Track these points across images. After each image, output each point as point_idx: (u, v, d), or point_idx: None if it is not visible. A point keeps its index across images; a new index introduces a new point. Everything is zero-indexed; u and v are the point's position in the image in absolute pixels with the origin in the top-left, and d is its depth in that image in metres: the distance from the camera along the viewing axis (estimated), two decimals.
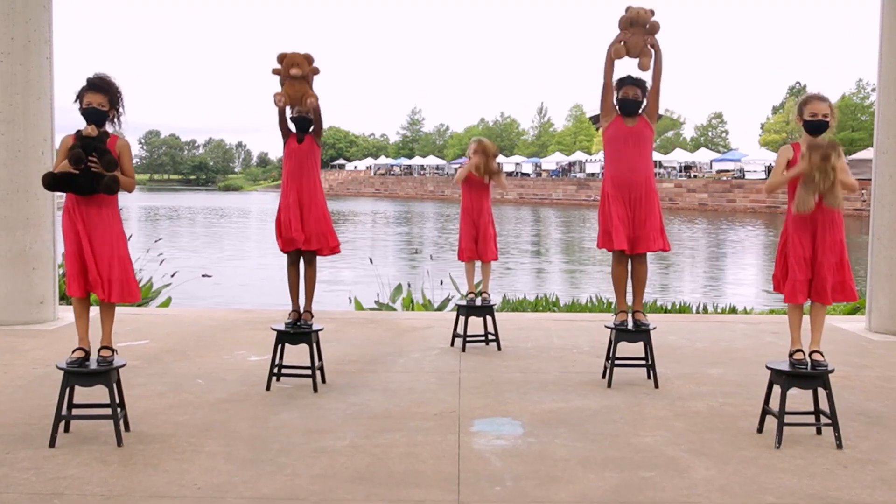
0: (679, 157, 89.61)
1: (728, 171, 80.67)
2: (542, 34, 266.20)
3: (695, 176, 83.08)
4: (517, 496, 5.29)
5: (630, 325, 7.97)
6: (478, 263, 9.90)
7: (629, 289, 8.14)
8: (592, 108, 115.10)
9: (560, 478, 5.60)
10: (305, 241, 7.84)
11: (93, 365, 6.22)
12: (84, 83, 6.23)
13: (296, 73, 7.56)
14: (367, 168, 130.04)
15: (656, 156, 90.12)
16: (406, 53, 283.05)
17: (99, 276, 6.12)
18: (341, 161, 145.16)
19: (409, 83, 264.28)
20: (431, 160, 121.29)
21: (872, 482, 5.51)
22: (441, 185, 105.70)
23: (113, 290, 6.15)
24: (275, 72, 7.70)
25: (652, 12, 7.70)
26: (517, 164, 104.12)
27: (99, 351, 6.26)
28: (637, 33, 7.70)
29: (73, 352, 6.21)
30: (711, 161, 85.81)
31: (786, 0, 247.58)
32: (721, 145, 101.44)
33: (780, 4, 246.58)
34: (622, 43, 7.76)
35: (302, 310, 8.09)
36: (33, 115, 10.78)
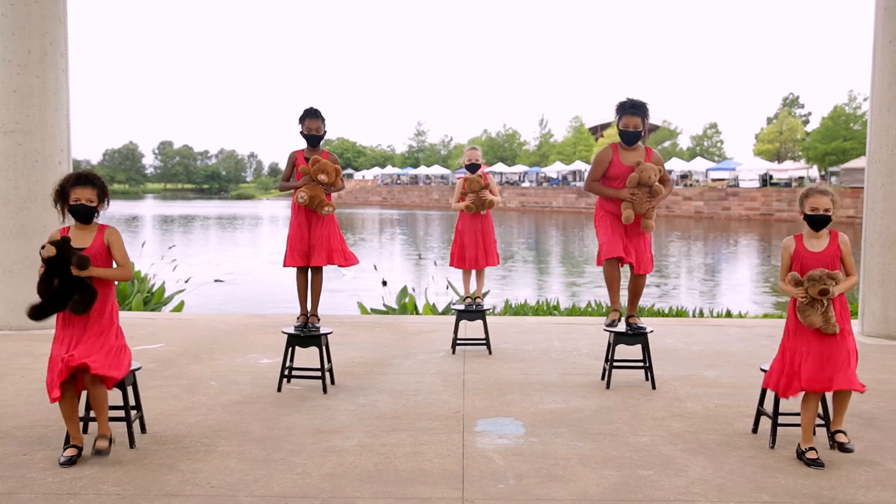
0: (675, 166, 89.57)
1: (723, 179, 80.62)
2: (543, 49, 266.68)
3: (691, 184, 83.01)
4: (519, 494, 5.28)
5: (623, 328, 8.02)
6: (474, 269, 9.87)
7: (623, 294, 8.16)
8: (591, 119, 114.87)
9: (561, 476, 5.59)
10: (315, 259, 7.90)
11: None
12: (68, 179, 5.98)
13: (323, 180, 7.75)
14: (375, 177, 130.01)
15: None
16: (412, 68, 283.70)
17: (84, 355, 5.63)
18: (349, 171, 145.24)
19: (414, 96, 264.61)
20: (436, 170, 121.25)
21: (866, 482, 5.49)
22: (446, 193, 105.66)
23: (98, 365, 5.65)
24: (303, 170, 7.88)
25: (658, 174, 7.68)
26: (520, 174, 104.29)
27: (95, 441, 5.71)
28: (643, 193, 7.66)
29: (66, 449, 5.78)
30: (707, 170, 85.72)
31: (780, 13, 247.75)
32: (716, 154, 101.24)
33: (775, 17, 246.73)
34: (631, 205, 7.68)
35: (309, 313, 8.09)
36: (50, 126, 10.81)
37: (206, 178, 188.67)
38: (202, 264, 29.27)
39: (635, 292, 8.17)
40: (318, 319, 8.12)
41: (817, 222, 5.96)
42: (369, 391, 7.85)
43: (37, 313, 5.76)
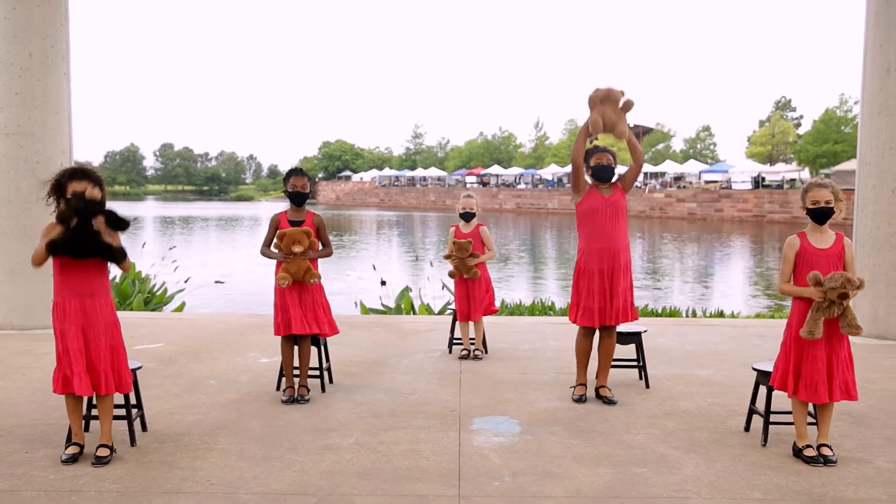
0: (669, 168, 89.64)
1: (716, 181, 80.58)
2: (538, 52, 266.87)
3: (684, 186, 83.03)
4: (515, 491, 5.28)
5: (586, 396, 7.51)
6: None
7: (592, 362, 7.74)
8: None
9: (556, 473, 5.59)
10: (302, 327, 7.37)
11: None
12: (66, 172, 5.79)
13: (298, 250, 7.26)
14: (372, 179, 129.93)
15: (646, 167, 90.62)
16: (410, 71, 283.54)
17: (100, 371, 5.67)
18: (347, 173, 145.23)
19: (412, 99, 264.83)
20: (433, 172, 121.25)
21: (856, 479, 5.50)
22: (442, 195, 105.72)
23: (111, 381, 5.71)
24: (276, 246, 7.38)
25: (622, 92, 7.21)
26: (516, 176, 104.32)
27: (96, 449, 5.73)
28: (610, 109, 7.18)
29: (68, 447, 5.76)
30: (700, 172, 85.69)
31: (772, 17, 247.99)
32: (709, 157, 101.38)
33: (767, 21, 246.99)
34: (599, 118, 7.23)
35: (298, 384, 7.52)
36: (51, 128, 10.81)
37: (206, 180, 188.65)
38: (202, 265, 29.25)
39: (606, 354, 7.58)
40: (308, 391, 7.50)
41: (819, 215, 5.88)
42: (367, 390, 7.85)
43: (54, 247, 5.56)
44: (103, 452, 5.69)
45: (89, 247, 5.57)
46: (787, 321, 6.06)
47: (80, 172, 5.76)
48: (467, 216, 9.31)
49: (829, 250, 5.84)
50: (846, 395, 5.82)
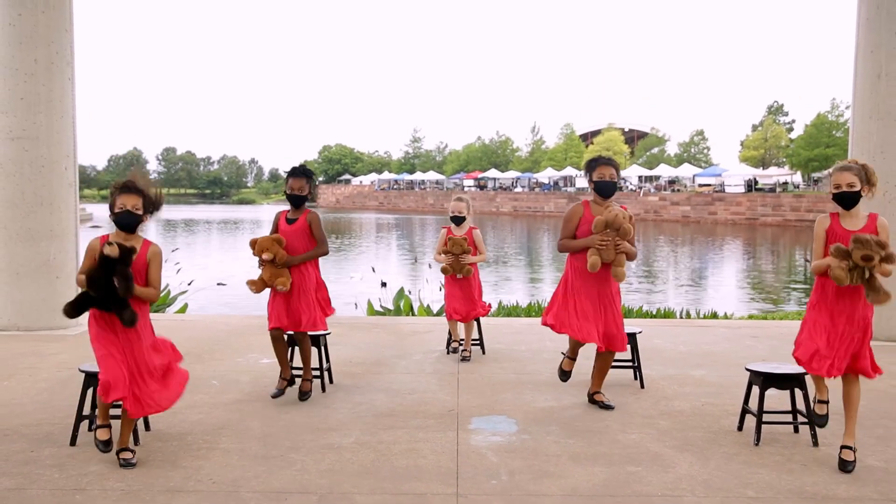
0: (664, 171, 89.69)
1: (709, 185, 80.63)
2: (535, 58, 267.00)
3: (678, 190, 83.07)
4: (512, 489, 5.28)
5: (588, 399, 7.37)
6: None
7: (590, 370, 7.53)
8: (581, 127, 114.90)
9: (552, 472, 5.59)
10: (293, 325, 7.34)
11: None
12: (116, 185, 5.64)
13: (267, 258, 7.17)
14: (372, 183, 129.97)
15: (640, 170, 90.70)
16: (408, 76, 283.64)
17: (136, 390, 5.51)
18: (347, 176, 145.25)
19: (411, 104, 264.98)
20: (432, 175, 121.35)
21: (847, 478, 5.50)
22: (441, 198, 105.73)
23: (148, 405, 5.58)
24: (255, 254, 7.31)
25: (628, 218, 6.85)
26: (513, 180, 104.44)
27: (118, 454, 5.63)
28: (611, 238, 6.80)
29: (98, 429, 5.71)
30: (694, 175, 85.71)
31: (764, 23, 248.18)
32: (703, 161, 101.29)
33: (760, 28, 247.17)
34: (598, 252, 6.81)
35: (301, 379, 7.50)
36: (56, 132, 10.81)
37: (208, 184, 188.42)
38: (204, 267, 29.21)
39: (601, 369, 7.32)
40: (311, 384, 7.49)
41: (842, 199, 5.59)
42: (366, 390, 7.85)
43: (75, 309, 5.52)
44: (127, 455, 5.59)
45: (110, 304, 5.46)
46: (809, 300, 5.89)
47: (127, 186, 5.60)
48: (457, 220, 9.24)
49: (860, 231, 5.51)
50: (864, 370, 5.62)
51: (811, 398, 6.18)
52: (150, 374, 5.60)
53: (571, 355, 7.42)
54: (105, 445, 5.63)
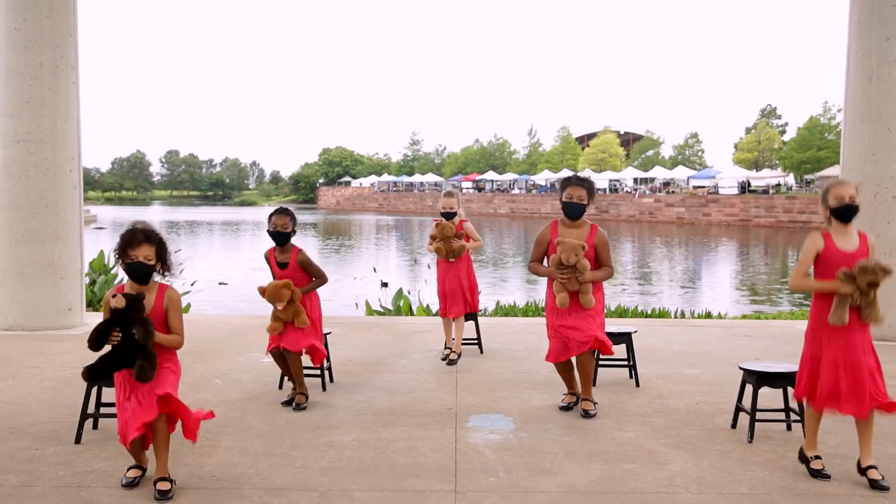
0: (658, 174, 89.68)
1: (704, 187, 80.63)
2: (532, 62, 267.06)
3: (673, 192, 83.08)
4: (509, 486, 5.28)
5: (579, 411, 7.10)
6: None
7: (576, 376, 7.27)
8: (578, 129, 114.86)
9: (549, 469, 5.59)
10: (293, 344, 7.12)
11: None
12: (126, 237, 5.18)
13: (280, 307, 7.02)
14: (372, 185, 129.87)
15: (635, 172, 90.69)
16: (408, 80, 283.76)
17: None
18: (347, 178, 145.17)
19: (410, 107, 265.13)
20: (430, 177, 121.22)
21: (839, 475, 5.50)
22: (439, 200, 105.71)
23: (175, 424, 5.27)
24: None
25: (582, 247, 6.66)
26: (510, 182, 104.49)
27: (155, 483, 5.12)
28: (570, 272, 6.68)
29: (129, 470, 5.32)
30: (688, 178, 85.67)
31: (758, 28, 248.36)
32: (697, 163, 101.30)
33: (753, 32, 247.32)
34: (564, 290, 6.71)
35: (297, 392, 7.30)
36: (61, 135, 10.82)
37: (210, 186, 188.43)
38: (206, 268, 29.20)
39: (585, 373, 6.96)
40: (306, 399, 7.24)
41: (845, 213, 5.33)
42: (366, 389, 7.85)
43: (93, 375, 5.14)
44: (163, 486, 5.08)
45: (130, 356, 5.06)
46: (808, 326, 5.54)
47: (140, 235, 5.19)
48: (448, 216, 9.15)
49: (855, 253, 5.30)
50: (875, 402, 5.26)
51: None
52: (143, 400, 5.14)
53: (571, 391, 7.27)
54: (130, 484, 5.24)
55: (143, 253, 5.13)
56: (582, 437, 6.31)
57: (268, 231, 7.20)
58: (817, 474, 5.44)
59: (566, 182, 6.92)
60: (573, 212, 6.84)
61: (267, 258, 7.31)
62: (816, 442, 5.58)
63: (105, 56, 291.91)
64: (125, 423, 5.08)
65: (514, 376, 8.41)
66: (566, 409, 7.13)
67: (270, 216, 7.23)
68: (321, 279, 7.29)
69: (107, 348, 5.06)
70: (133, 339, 4.99)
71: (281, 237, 7.15)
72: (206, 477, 5.39)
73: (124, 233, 5.22)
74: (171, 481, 5.14)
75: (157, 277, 5.30)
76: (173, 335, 5.21)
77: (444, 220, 9.16)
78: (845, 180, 5.50)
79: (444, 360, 9.09)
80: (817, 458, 5.53)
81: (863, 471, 5.39)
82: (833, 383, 5.31)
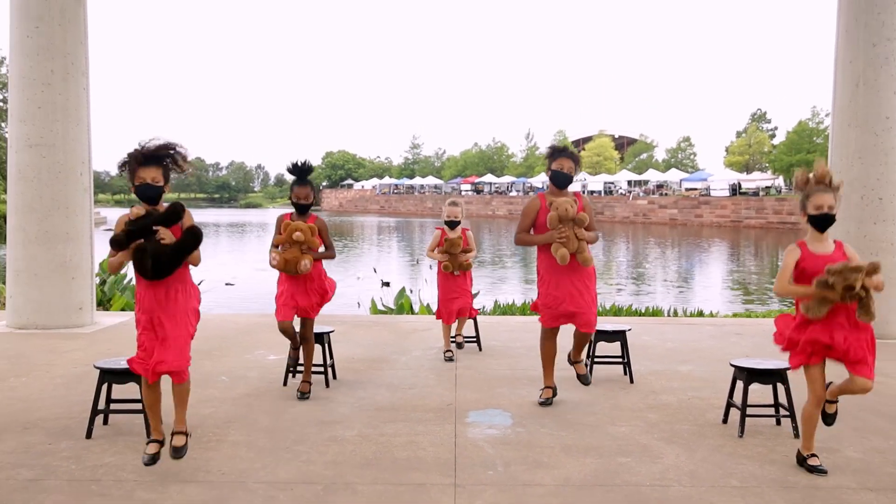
0: (652, 176, 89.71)
1: (696, 189, 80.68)
2: (529, 67, 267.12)
3: (666, 194, 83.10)
4: (507, 479, 5.29)
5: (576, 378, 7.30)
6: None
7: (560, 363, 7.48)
8: (573, 133, 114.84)
9: (546, 463, 5.60)
10: (303, 311, 7.23)
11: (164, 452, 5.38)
12: (130, 157, 5.04)
13: (298, 236, 6.98)
14: (373, 187, 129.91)
15: (630, 175, 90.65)
16: (408, 85, 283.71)
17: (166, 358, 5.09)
18: (350, 181, 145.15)
19: (410, 111, 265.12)
20: (430, 180, 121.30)
21: (827, 468, 5.49)
22: (439, 202, 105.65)
23: (175, 365, 5.14)
24: (277, 241, 7.13)
25: (577, 205, 6.76)
26: (508, 184, 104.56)
27: (172, 436, 5.25)
28: (569, 229, 6.75)
29: (148, 444, 5.26)
30: (681, 180, 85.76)
31: (748, 34, 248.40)
32: (689, 166, 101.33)
33: (744, 38, 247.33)
34: (563, 244, 6.71)
35: (302, 380, 7.38)
36: (72, 139, 10.82)
37: (217, 188, 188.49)
38: (213, 268, 29.20)
39: (581, 342, 7.14)
40: (310, 386, 7.38)
41: (823, 221, 5.27)
42: (368, 385, 7.86)
43: (120, 242, 4.92)
44: (179, 441, 5.22)
45: (163, 268, 5.04)
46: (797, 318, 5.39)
47: (146, 157, 5.05)
48: (453, 224, 9.13)
49: (831, 256, 5.24)
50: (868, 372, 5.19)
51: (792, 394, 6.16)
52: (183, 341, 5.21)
53: (547, 383, 7.23)
54: (151, 460, 5.20)
55: (151, 175, 5.02)
56: (577, 432, 6.32)
57: (290, 200, 7.27)
58: (815, 469, 5.38)
59: (555, 153, 6.98)
60: (563, 181, 6.93)
61: (279, 222, 7.20)
62: (813, 443, 5.48)
63: (114, 62, 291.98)
64: (153, 360, 5.06)
65: (511, 373, 8.42)
66: (546, 404, 7.09)
67: (292, 186, 7.24)
68: (331, 251, 7.33)
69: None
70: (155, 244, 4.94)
71: (303, 208, 7.22)
72: (213, 471, 5.40)
73: (130, 152, 5.05)
74: (186, 435, 5.26)
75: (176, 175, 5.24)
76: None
77: (447, 229, 9.15)
78: (825, 189, 5.33)
79: (451, 361, 9.09)
80: (814, 455, 5.46)
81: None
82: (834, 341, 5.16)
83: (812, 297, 5.16)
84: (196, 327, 5.46)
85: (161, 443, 5.29)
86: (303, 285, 7.23)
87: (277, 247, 7.22)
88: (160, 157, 5.08)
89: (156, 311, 5.15)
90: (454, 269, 9.11)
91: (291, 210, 7.42)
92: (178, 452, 5.23)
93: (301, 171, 7.18)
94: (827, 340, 5.18)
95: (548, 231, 6.80)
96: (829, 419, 5.74)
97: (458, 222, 9.19)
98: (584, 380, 7.24)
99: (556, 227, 6.75)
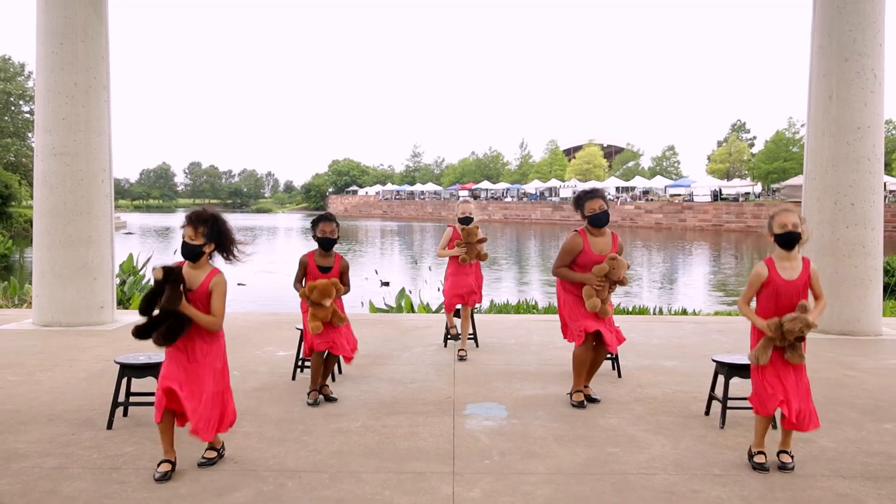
0: (638, 183, 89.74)
1: (679, 195, 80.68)
2: (523, 81, 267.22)
3: (651, 199, 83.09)
4: (503, 468, 5.28)
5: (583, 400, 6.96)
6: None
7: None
8: (564, 143, 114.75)
9: (539, 453, 5.60)
10: (331, 347, 6.87)
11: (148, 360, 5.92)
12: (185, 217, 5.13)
13: (327, 304, 6.71)
14: (376, 193, 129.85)
15: (618, 182, 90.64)
16: (410, 97, 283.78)
17: (188, 410, 4.93)
18: (354, 187, 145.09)
19: (412, 122, 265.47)
20: (430, 186, 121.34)
21: (802, 457, 5.51)
22: (438, 207, 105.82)
23: (200, 425, 4.96)
24: (303, 295, 6.82)
25: (626, 267, 6.74)
26: (503, 190, 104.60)
27: (205, 451, 5.36)
28: (608, 284, 6.77)
29: (160, 464, 5.09)
30: (665, 186, 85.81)
31: (728, 49, 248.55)
32: (674, 173, 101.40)
33: (724, 53, 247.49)
34: (598, 293, 6.72)
35: (321, 386, 7.09)
36: (94, 149, 10.83)
37: (229, 194, 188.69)
38: (225, 269, 29.16)
39: (595, 364, 7.01)
40: (331, 391, 7.23)
41: (788, 240, 5.14)
42: (371, 380, 7.85)
43: (138, 334, 4.89)
44: (211, 454, 5.32)
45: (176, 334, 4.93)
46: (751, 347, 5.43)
47: (188, 217, 5.11)
48: (466, 220, 8.95)
49: (796, 281, 5.15)
50: (811, 422, 5.23)
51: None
52: (211, 398, 5.06)
53: (578, 387, 6.98)
54: (163, 477, 5.02)
55: (188, 234, 5.06)
56: (569, 424, 6.32)
57: (315, 237, 6.90)
58: (759, 467, 5.26)
59: (585, 196, 6.82)
60: (602, 220, 6.78)
61: (305, 262, 6.89)
62: (763, 442, 5.39)
63: (134, 76, 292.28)
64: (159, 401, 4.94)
65: (507, 368, 8.41)
66: (580, 406, 6.83)
67: (316, 222, 6.93)
68: (348, 288, 6.99)
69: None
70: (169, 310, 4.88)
71: (329, 242, 6.85)
72: (226, 459, 5.39)
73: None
74: (219, 452, 5.36)
75: (220, 262, 5.21)
76: (209, 316, 4.98)
77: (462, 224, 8.97)
78: (790, 208, 5.28)
79: (454, 340, 9.20)
80: (761, 453, 5.35)
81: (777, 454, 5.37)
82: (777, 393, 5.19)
83: (763, 336, 5.19)
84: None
85: (172, 463, 5.11)
86: (326, 328, 6.88)
87: (301, 282, 6.97)
88: (201, 220, 5.10)
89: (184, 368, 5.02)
90: (471, 259, 8.93)
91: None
92: (205, 462, 5.27)
93: (326, 214, 6.99)
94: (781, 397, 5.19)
95: (587, 273, 6.72)
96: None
97: (472, 219, 9.00)
98: (592, 400, 7.01)
99: (599, 276, 6.68)
